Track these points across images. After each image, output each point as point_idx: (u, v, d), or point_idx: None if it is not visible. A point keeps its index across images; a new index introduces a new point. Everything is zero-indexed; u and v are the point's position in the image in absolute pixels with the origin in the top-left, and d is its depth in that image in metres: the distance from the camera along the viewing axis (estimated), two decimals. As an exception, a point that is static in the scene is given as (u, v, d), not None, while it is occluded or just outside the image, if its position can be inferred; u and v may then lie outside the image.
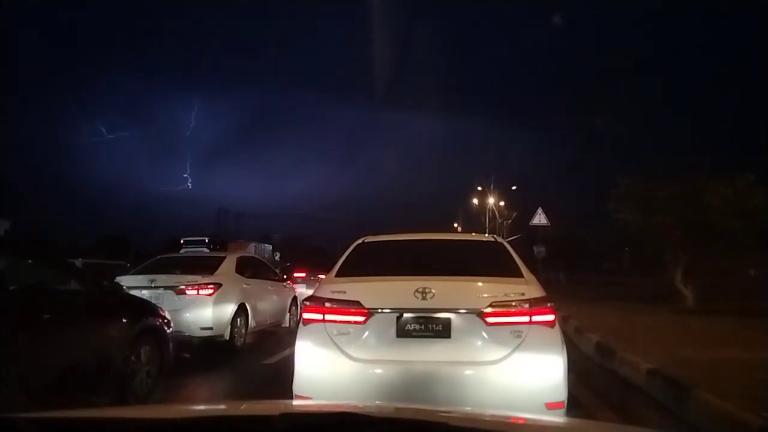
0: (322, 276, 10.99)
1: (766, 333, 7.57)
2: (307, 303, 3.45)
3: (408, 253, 4.05)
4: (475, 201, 42.30)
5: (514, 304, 3.19)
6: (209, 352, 7.50)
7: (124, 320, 4.65)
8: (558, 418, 2.87)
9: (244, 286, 8.38)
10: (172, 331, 5.37)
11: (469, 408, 2.67)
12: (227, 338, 7.69)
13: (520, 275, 3.49)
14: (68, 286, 4.48)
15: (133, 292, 6.17)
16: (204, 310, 7.42)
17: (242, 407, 2.12)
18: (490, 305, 3.16)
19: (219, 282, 7.73)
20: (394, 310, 3.22)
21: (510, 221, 37.58)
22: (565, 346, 3.28)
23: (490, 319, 3.14)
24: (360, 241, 4.29)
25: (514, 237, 29.75)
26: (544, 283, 3.62)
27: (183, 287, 7.48)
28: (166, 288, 7.48)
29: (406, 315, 3.20)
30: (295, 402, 3.13)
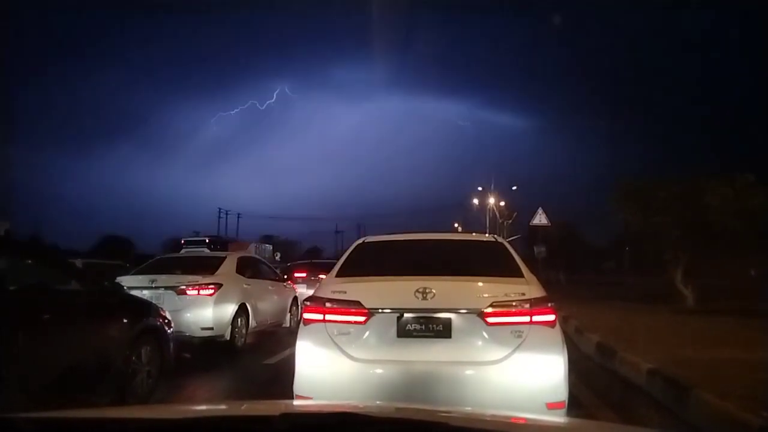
0: (322, 276, 10.97)
1: (766, 333, 7.56)
2: (308, 303, 3.45)
3: (408, 253, 4.04)
4: (476, 201, 42.41)
5: (514, 304, 3.19)
6: (210, 353, 7.50)
7: (125, 320, 4.65)
8: (559, 418, 2.87)
9: (245, 286, 8.37)
10: (172, 332, 5.36)
11: (470, 408, 2.66)
12: (228, 338, 7.70)
13: (521, 275, 3.49)
14: (68, 286, 4.48)
15: (134, 293, 6.16)
16: (204, 310, 7.42)
17: (243, 407, 2.13)
18: (491, 305, 3.16)
19: (219, 282, 7.73)
20: (394, 310, 3.22)
21: (510, 221, 37.63)
22: (565, 346, 3.28)
23: (490, 319, 3.14)
24: (360, 241, 4.29)
25: (513, 237, 29.79)
26: (544, 283, 3.62)
27: (184, 287, 7.48)
28: (166, 288, 7.47)
29: (406, 315, 3.20)
30: (296, 402, 3.13)
